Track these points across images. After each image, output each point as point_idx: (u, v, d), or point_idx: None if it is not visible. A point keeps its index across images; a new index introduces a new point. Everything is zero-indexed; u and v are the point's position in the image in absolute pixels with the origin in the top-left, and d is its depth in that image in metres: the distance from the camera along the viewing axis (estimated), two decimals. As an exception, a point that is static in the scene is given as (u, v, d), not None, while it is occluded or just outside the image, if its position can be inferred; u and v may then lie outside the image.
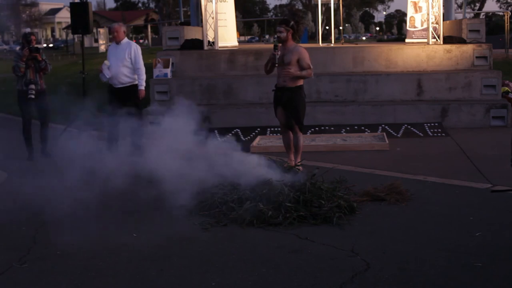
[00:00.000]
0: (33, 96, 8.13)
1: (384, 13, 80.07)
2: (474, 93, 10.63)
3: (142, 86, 8.30)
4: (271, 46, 7.13)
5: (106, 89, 8.48)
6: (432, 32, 11.57)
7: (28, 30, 9.02)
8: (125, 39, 8.42)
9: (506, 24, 20.75)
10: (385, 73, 11.05)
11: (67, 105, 8.01)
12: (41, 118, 8.48)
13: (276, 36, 7.20)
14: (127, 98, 8.16)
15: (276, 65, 6.97)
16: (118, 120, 7.96)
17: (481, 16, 44.38)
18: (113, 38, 8.39)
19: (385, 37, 62.18)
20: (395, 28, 72.85)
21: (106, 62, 8.24)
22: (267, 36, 57.97)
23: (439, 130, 9.71)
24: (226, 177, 5.92)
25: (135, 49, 8.30)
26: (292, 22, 7.00)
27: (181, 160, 6.02)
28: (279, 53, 6.87)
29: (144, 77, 8.33)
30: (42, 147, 8.42)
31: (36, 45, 8.37)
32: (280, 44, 6.97)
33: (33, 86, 8.14)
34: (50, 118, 8.60)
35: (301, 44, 8.89)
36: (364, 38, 57.24)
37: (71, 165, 6.22)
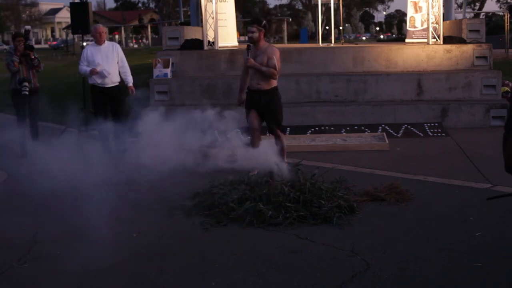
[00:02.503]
0: (27, 92, 8.20)
1: (384, 13, 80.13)
2: (474, 93, 10.62)
3: (132, 83, 8.58)
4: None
5: (91, 90, 8.50)
6: (432, 32, 11.57)
7: (28, 27, 9.06)
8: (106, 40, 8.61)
9: (506, 24, 20.75)
10: (385, 73, 11.05)
11: (67, 105, 8.04)
12: (32, 117, 8.50)
13: (248, 36, 6.98)
14: (117, 97, 8.39)
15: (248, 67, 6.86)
16: (112, 119, 8.06)
17: (481, 16, 44.40)
18: (97, 39, 8.39)
19: (385, 37, 62.18)
20: (395, 28, 72.84)
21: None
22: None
23: (439, 130, 9.71)
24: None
25: (120, 49, 8.59)
26: (264, 22, 6.85)
27: None
28: (249, 55, 6.78)
29: (130, 74, 8.63)
30: (34, 146, 8.44)
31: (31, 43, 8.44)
32: (251, 45, 6.87)
33: (26, 84, 8.22)
34: (38, 116, 8.64)
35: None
36: (364, 38, 57.25)
37: (65, 163, 6.24)
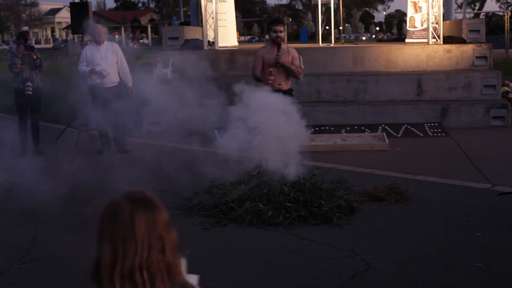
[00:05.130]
0: (30, 92, 8.24)
1: (384, 13, 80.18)
2: (474, 93, 10.62)
3: (131, 83, 8.50)
4: None
5: (89, 90, 8.50)
6: (432, 32, 11.57)
7: (26, 28, 9.12)
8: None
9: (506, 24, 20.77)
10: (385, 73, 11.05)
11: (66, 105, 8.04)
12: (33, 116, 8.51)
13: (275, 36, 6.97)
14: (117, 96, 8.30)
15: (278, 65, 6.81)
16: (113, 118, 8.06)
17: (481, 16, 44.38)
18: (96, 39, 8.40)
19: (385, 37, 62.19)
20: (395, 28, 72.87)
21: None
22: (267, 36, 57.87)
23: (439, 130, 9.70)
24: None
25: (120, 49, 8.52)
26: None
27: None
28: (279, 53, 6.80)
29: (130, 74, 8.54)
30: (35, 146, 8.46)
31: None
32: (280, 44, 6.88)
33: (29, 83, 8.26)
34: (40, 116, 8.65)
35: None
36: (364, 38, 57.27)
37: (67, 164, 6.24)
